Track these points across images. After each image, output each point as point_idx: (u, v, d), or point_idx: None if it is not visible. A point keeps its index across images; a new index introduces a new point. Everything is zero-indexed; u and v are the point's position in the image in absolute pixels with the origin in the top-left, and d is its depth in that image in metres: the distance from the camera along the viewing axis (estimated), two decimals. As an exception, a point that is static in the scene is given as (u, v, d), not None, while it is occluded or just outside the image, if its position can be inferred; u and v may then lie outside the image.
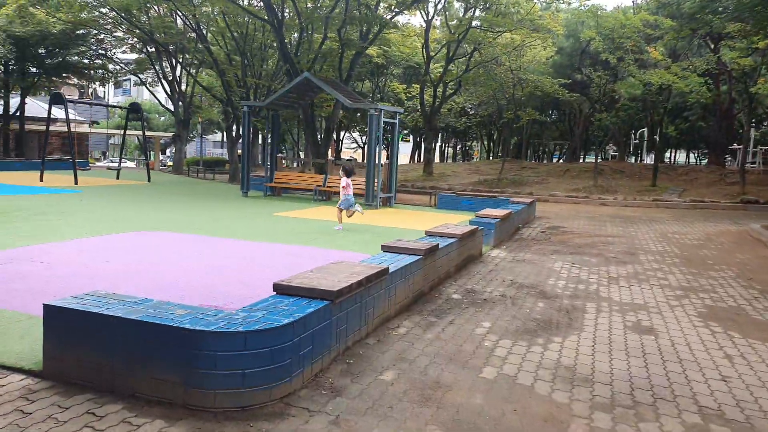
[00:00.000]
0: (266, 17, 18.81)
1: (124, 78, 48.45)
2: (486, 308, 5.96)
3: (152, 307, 3.66)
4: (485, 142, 57.07)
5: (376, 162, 16.06)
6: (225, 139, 62.31)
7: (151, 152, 59.02)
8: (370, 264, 5.12)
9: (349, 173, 11.34)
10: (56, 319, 3.62)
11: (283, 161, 18.90)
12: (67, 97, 21.95)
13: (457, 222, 13.09)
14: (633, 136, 42.48)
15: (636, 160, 43.87)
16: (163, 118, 60.31)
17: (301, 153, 43.56)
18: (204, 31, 23.58)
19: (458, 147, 62.79)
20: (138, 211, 12.63)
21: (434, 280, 6.71)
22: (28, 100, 35.77)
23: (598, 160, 31.00)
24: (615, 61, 23.80)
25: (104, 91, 69.78)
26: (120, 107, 21.15)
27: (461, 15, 28.58)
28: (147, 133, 46.02)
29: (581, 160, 40.30)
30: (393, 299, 5.33)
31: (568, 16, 30.92)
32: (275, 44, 30.34)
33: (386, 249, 6.16)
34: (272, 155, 18.68)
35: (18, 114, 34.49)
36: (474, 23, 25.30)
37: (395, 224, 12.61)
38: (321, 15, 19.13)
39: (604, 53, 23.81)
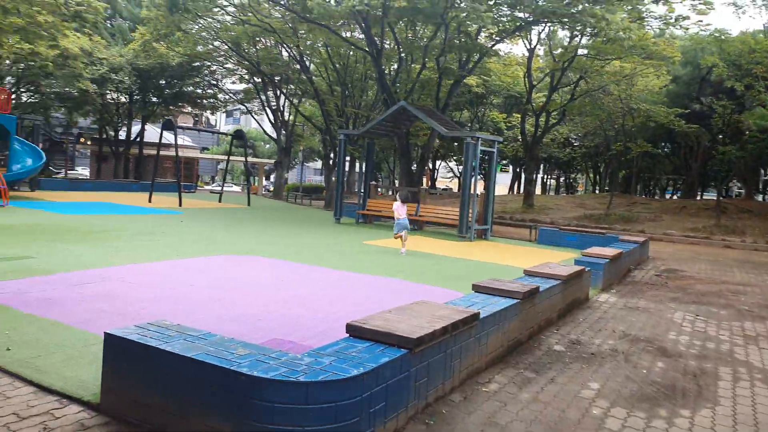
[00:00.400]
0: (366, 48, 19.00)
1: (235, 108, 51.39)
2: (594, 365, 5.17)
3: (214, 343, 3.33)
4: (590, 175, 54.49)
5: (472, 192, 15.45)
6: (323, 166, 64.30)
7: (255, 178, 61.99)
8: (459, 307, 4.56)
9: (403, 200, 12.24)
10: (115, 349, 3.38)
11: (379, 189, 18.78)
12: (180, 124, 23.40)
13: (560, 260, 12.14)
14: (762, 171, 38.72)
15: (765, 198, 39.95)
16: (268, 145, 63.09)
17: (396, 182, 43.65)
18: (307, 63, 24.32)
19: (561, 179, 60.44)
20: (232, 234, 12.83)
21: (533, 327, 6.00)
22: (147, 126, 38.67)
23: (721, 198, 28.37)
24: (742, 89, 21.75)
25: (216, 120, 74.48)
26: (225, 134, 22.19)
27: (566, 43, 27.56)
28: (252, 159, 48.32)
29: (699, 197, 37.22)
30: (484, 349, 4.72)
31: (685, 43, 28.93)
32: (375, 75, 30.97)
33: (479, 289, 5.56)
34: (366, 183, 18.60)
35: (138, 140, 37.35)
36: (580, 51, 24.23)
37: (490, 259, 11.89)
38: (420, 45, 19.02)
39: (729, 80, 21.85)
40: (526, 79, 26.83)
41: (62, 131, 37.35)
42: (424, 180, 28.96)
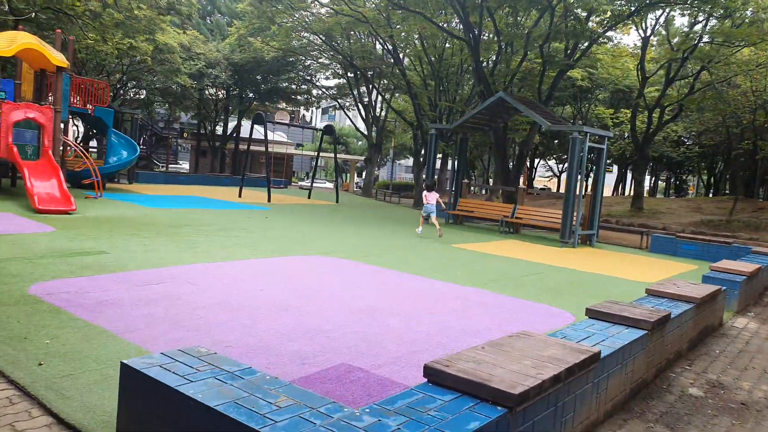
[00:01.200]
0: (463, 37, 17.97)
1: (330, 105, 51.82)
2: (749, 421, 3.98)
3: (250, 386, 2.58)
4: (703, 177, 50.07)
5: (577, 193, 14.06)
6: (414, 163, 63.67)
7: (347, 174, 62.43)
8: (572, 342, 3.55)
9: (429, 188, 14.13)
10: (132, 383, 2.72)
11: (471, 188, 17.70)
12: (277, 120, 23.47)
13: (678, 273, 10.59)
14: None
15: None
16: (360, 142, 63.33)
17: (491, 180, 42.04)
18: (401, 55, 23.60)
19: (671, 180, 56.05)
20: (315, 232, 12.32)
21: (660, 363, 4.84)
22: (243, 122, 39.72)
23: None
24: None
25: (311, 116, 75.99)
26: (316, 129, 21.93)
27: (686, 29, 24.97)
28: (345, 156, 48.59)
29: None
30: (603, 396, 3.69)
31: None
32: (471, 66, 29.72)
33: (594, 315, 4.50)
34: (457, 181, 17.60)
35: (234, 135, 38.43)
36: (705, 38, 21.79)
37: (596, 269, 10.55)
38: (522, 33, 17.69)
39: None
40: (639, 71, 24.61)
41: (164, 126, 39.13)
42: (521, 179, 27.36)
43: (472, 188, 18.38)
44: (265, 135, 19.46)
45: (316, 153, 46.91)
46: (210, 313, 5.31)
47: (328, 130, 22.19)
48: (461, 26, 18.60)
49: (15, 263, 6.64)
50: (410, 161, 66.84)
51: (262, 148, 41.97)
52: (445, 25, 24.36)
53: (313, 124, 69.22)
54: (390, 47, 23.13)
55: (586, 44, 17.73)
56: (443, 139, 22.00)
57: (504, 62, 19.09)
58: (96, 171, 14.74)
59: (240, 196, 20.03)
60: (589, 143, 14.15)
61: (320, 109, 67.25)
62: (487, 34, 20.13)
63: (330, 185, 49.40)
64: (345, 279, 7.45)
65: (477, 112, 15.80)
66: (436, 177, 29.14)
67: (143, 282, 6.31)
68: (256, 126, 47.59)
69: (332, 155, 40.65)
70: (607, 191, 61.96)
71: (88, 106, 17.64)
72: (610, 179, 62.33)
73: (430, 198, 13.66)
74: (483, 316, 6.13)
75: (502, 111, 16.68)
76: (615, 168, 53.69)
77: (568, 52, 18.51)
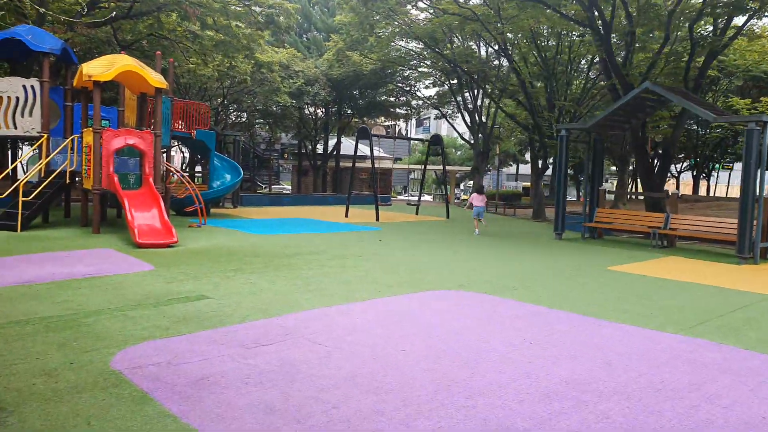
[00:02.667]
0: (586, 24, 15.76)
1: (425, 117, 50.34)
2: None
3: None
4: None
5: (756, 196, 11.44)
6: (517, 171, 60.56)
7: (447, 186, 60.60)
8: None
9: (479, 191, 16.25)
10: None
11: (611, 196, 15.33)
12: (373, 134, 22.28)
13: None
14: None
15: None
16: (459, 152, 61.43)
17: (634, 185, 38.23)
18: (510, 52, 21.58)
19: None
20: (438, 255, 10.65)
21: None
22: (342, 139, 39.15)
23: None
24: None
25: (406, 130, 75.07)
26: (422, 140, 20.39)
27: None
28: (433, 166, 46.87)
29: None
30: None
31: None
32: (582, 63, 26.99)
33: None
34: (593, 188, 15.31)
35: (335, 152, 37.87)
36: None
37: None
38: (663, 12, 15.17)
39: None
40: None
41: (265, 147, 39.36)
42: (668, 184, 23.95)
43: (610, 197, 15.81)
44: (371, 150, 18.15)
45: (418, 166, 45.65)
46: (343, 398, 3.74)
47: (436, 140, 20.59)
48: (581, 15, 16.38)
49: (105, 318, 5.49)
50: (512, 169, 63.96)
51: (362, 164, 41.24)
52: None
53: (410, 136, 68.12)
54: (500, 46, 21.14)
55: (747, 17, 14.89)
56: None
57: (639, 51, 16.55)
58: (199, 197, 13.99)
59: (347, 215, 18.84)
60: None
61: (414, 121, 66.11)
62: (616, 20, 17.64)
63: (428, 198, 47.69)
64: (504, 328, 5.68)
65: (617, 107, 13.53)
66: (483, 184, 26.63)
67: (252, 341, 4.90)
68: (352, 142, 46.93)
69: (432, 167, 39.06)
70: (735, 192, 55.78)
71: (192, 132, 17.18)
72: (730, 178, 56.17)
73: (478, 201, 15.50)
74: (738, 391, 4.13)
75: (644, 105, 14.29)
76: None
77: (718, 31, 15.72)
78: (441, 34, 23.22)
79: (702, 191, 48.62)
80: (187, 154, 33.66)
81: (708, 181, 55.32)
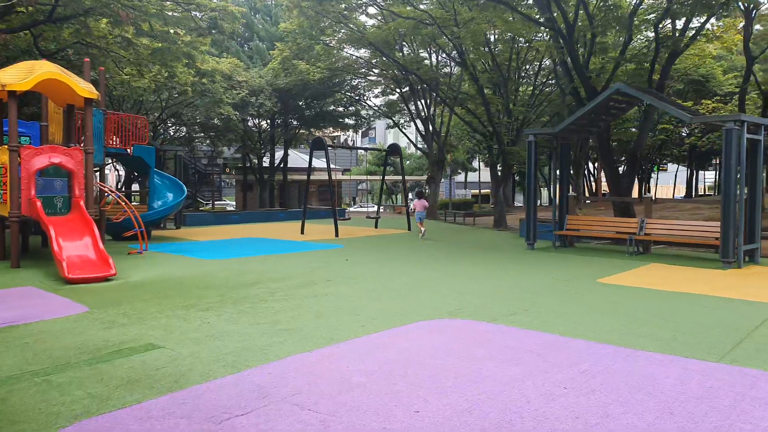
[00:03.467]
0: (548, 26, 15.30)
1: (370, 127, 49.55)
2: None
3: None
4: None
5: (738, 198, 11.08)
6: (466, 179, 60.59)
7: (396, 196, 59.91)
8: None
9: (419, 196, 17.29)
10: None
11: (583, 201, 14.81)
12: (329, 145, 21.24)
13: None
14: None
15: None
16: (408, 161, 60.92)
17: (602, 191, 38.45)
18: (461, 60, 20.96)
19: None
20: (412, 275, 9.72)
21: None
22: (289, 151, 37.86)
23: None
24: None
25: (353, 140, 74.20)
26: (380, 149, 19.48)
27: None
28: (393, 177, 46.18)
29: None
30: None
31: None
32: (527, 69, 26.83)
33: None
34: (562, 194, 14.77)
35: (282, 165, 36.49)
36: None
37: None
38: (623, 15, 14.85)
39: None
40: (744, 51, 21.33)
41: (207, 162, 37.60)
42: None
43: (584, 202, 15.26)
44: (327, 161, 17.08)
45: (371, 176, 44.66)
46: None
47: (394, 149, 19.73)
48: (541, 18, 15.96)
49: (21, 388, 4.25)
50: (461, 177, 63.97)
51: (313, 177, 40.00)
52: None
53: (368, 146, 67.24)
54: (457, 50, 20.50)
55: (705, 17, 14.77)
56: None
57: (598, 54, 16.22)
58: (138, 220, 12.57)
59: (303, 232, 17.68)
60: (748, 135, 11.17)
61: (360, 132, 65.35)
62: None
63: (370, 209, 46.55)
64: (528, 370, 4.76)
65: (588, 110, 13.01)
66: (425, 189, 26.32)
67: (222, 410, 3.81)
68: (299, 154, 45.57)
69: (380, 178, 38.32)
70: (668, 192, 57.75)
71: (128, 148, 15.66)
72: (666, 179, 58.19)
73: (418, 205, 16.81)
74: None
75: (608, 109, 13.87)
76: (677, 167, 49.76)
77: (677, 32, 15.56)
78: (393, 41, 22.48)
79: (635, 193, 49.82)
80: (123, 173, 31.63)
81: (648, 183, 57.02)
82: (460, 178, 64.28)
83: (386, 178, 41.69)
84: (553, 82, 26.94)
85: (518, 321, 6.46)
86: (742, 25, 22.00)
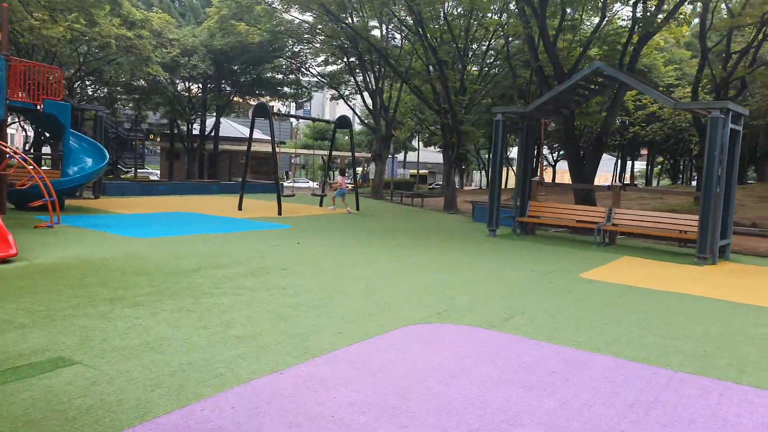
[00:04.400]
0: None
1: (310, 97, 47.52)
2: None
3: None
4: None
5: (718, 190, 10.63)
6: (405, 158, 59.79)
7: (333, 173, 58.29)
8: None
9: (342, 173, 19.00)
10: None
11: (543, 186, 14.12)
12: (274, 113, 19.57)
13: None
14: None
15: None
16: (346, 137, 59.37)
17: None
18: (420, 30, 19.81)
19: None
20: (378, 263, 8.64)
21: None
22: (222, 120, 35.63)
23: None
24: None
25: (287, 111, 71.72)
26: (328, 121, 18.13)
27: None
28: (340, 152, 44.65)
29: None
30: None
31: None
32: (483, 47, 26.12)
33: None
34: (525, 179, 14.06)
35: (213, 134, 34.27)
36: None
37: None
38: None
39: None
40: (699, 41, 21.34)
41: (129, 127, 34.80)
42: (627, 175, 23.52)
43: (544, 187, 14.57)
44: (272, 130, 15.58)
45: (307, 151, 42.85)
46: None
47: (344, 121, 18.45)
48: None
49: None
50: (400, 156, 63.15)
51: (241, 148, 37.82)
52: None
53: (315, 117, 65.01)
54: (414, 19, 19.31)
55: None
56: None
57: (568, 31, 15.50)
58: (49, 188, 10.78)
59: (240, 208, 16.19)
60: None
61: (294, 104, 63.11)
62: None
63: (314, 185, 45.08)
64: (562, 400, 3.79)
65: (561, 90, 12.24)
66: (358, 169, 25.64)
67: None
68: (232, 123, 43.13)
69: (321, 152, 36.88)
70: (602, 180, 59.42)
71: (38, 103, 13.60)
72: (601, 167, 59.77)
73: (343, 182, 18.33)
74: None
75: (577, 92, 13.19)
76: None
77: (648, 13, 15.06)
78: (347, 2, 21.03)
79: (600, 181, 50.56)
80: (32, 133, 28.65)
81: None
82: (399, 157, 63.46)
83: (352, 153, 40.33)
84: (499, 63, 26.38)
85: (519, 327, 5.52)
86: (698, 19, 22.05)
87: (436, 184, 55.49)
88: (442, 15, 20.49)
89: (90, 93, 30.62)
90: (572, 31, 15.75)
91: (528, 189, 14.09)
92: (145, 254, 8.41)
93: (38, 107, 13.54)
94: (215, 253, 8.80)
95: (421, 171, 56.86)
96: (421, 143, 53.94)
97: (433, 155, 67.37)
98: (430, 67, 22.05)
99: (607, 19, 14.42)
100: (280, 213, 15.26)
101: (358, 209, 18.37)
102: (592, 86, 13.10)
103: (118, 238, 9.87)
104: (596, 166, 15.48)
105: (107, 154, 14.10)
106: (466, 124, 20.27)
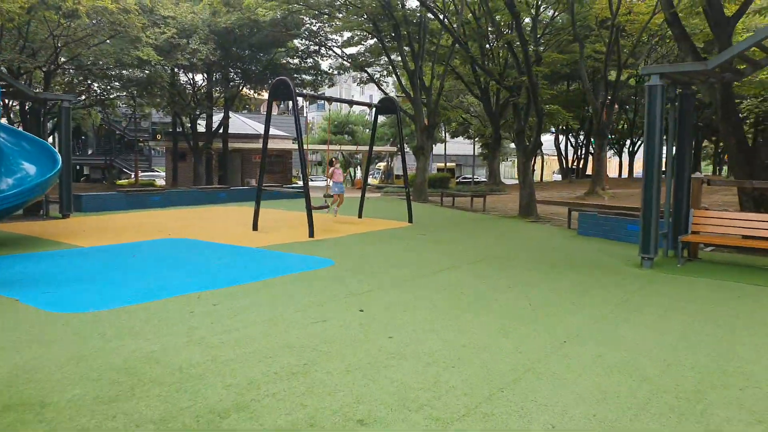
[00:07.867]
0: None
1: (333, 83, 42.53)
2: None
3: None
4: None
5: None
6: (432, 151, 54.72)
7: (355, 169, 53.40)
8: None
9: (331, 164, 14.23)
10: None
11: (707, 183, 9.42)
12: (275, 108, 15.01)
13: None
14: None
15: None
16: (367, 129, 54.42)
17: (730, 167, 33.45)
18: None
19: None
20: (479, 333, 4.00)
21: None
22: (230, 114, 31.12)
23: None
24: None
25: (306, 101, 67.01)
26: (369, 105, 13.43)
27: None
28: (349, 147, 39.90)
29: None
30: None
31: None
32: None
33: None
34: (679, 172, 9.36)
35: (222, 130, 29.78)
36: None
37: None
38: None
39: None
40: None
41: (125, 125, 30.38)
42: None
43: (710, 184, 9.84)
44: (296, 115, 10.98)
45: (323, 147, 38.12)
46: None
47: (388, 105, 13.83)
48: None
49: None
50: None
51: (253, 145, 33.28)
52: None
53: (304, 112, 60.39)
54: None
55: None
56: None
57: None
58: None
59: (255, 227, 11.60)
60: None
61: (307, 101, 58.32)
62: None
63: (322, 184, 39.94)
64: None
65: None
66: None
67: None
68: (241, 118, 38.47)
69: (336, 148, 32.19)
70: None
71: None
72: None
73: (337, 175, 13.93)
74: None
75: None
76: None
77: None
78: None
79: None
80: None
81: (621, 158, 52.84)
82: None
83: (342, 148, 35.46)
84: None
85: None
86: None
87: (464, 178, 50.50)
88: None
89: (83, 88, 26.19)
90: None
91: (687, 190, 9.36)
92: (48, 374, 3.81)
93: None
94: (202, 365, 4.17)
95: (448, 164, 52.01)
96: (447, 134, 49.17)
97: (458, 146, 62.25)
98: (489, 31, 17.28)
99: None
100: (311, 234, 10.63)
101: (411, 220, 13.69)
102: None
103: (24, 321, 5.27)
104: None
105: (58, 157, 9.52)
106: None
